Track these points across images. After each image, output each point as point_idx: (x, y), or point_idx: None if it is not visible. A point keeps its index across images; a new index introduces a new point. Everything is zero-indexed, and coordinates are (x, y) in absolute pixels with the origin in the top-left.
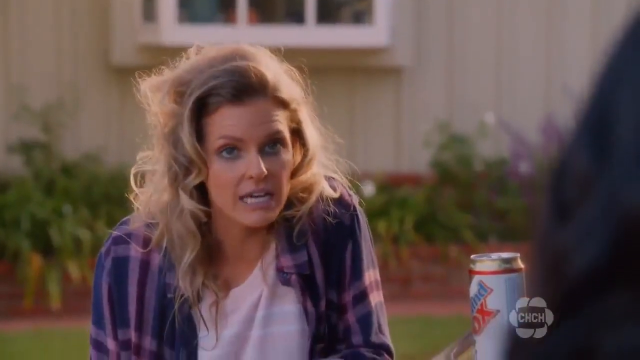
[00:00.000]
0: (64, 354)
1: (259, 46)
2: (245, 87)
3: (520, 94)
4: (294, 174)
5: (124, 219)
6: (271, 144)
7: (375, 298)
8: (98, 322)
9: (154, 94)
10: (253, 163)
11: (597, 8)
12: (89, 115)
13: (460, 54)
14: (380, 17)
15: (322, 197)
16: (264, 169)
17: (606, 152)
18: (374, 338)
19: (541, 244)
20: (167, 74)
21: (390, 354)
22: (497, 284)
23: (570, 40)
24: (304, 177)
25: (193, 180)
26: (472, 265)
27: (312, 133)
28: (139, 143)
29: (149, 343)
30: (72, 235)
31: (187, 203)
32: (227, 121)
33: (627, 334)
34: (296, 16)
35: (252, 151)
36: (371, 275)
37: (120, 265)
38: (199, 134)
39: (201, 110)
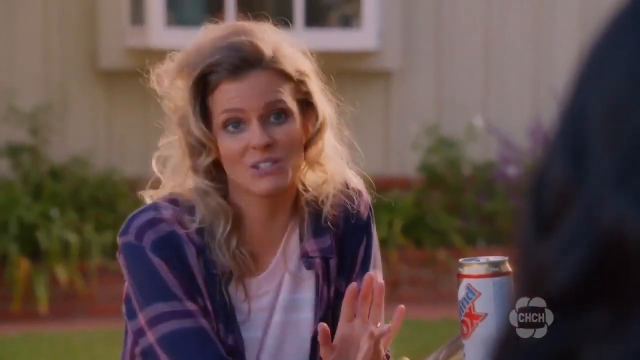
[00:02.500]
0: (51, 357)
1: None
2: (241, 61)
3: (509, 97)
4: (307, 144)
5: (142, 207)
6: (276, 114)
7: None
8: (163, 296)
9: (164, 80)
10: (255, 134)
11: (586, 12)
12: (77, 118)
13: (449, 58)
14: (368, 21)
15: (348, 187)
16: (266, 138)
17: (584, 167)
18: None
19: (523, 257)
20: (176, 57)
21: (387, 356)
22: (485, 287)
23: (559, 44)
24: (317, 147)
25: (204, 160)
26: (460, 269)
27: (322, 103)
28: (127, 147)
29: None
30: (60, 238)
31: (200, 182)
32: (227, 95)
33: (605, 351)
34: (284, 19)
35: (253, 121)
36: (378, 275)
37: (171, 241)
38: (205, 114)
39: (204, 89)
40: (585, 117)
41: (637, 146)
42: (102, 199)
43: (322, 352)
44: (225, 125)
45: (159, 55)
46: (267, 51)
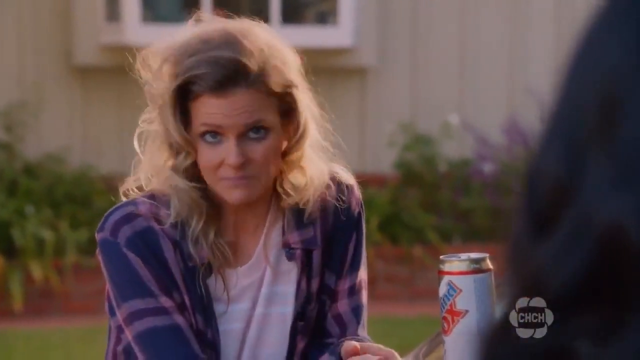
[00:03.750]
0: (26, 355)
1: (257, 23)
2: (225, 79)
3: (484, 95)
4: (287, 150)
5: (119, 203)
6: (255, 129)
7: (365, 296)
8: (139, 292)
9: (148, 67)
10: (230, 152)
11: (560, 10)
12: (51, 115)
13: (424, 55)
14: (344, 18)
15: (337, 182)
16: (240, 158)
17: (579, 166)
18: (363, 333)
19: (518, 258)
20: (163, 48)
21: None
22: (466, 284)
23: (533, 42)
24: (297, 153)
25: (183, 161)
26: (441, 266)
27: (306, 110)
28: (103, 144)
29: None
30: (35, 236)
31: (179, 182)
32: (207, 109)
33: (604, 351)
34: (261, 16)
35: (231, 139)
36: (363, 273)
37: (147, 236)
38: (187, 116)
39: (186, 94)
40: (580, 114)
41: (635, 144)
42: (77, 196)
43: None
44: (203, 135)
45: (135, 52)
46: (253, 67)
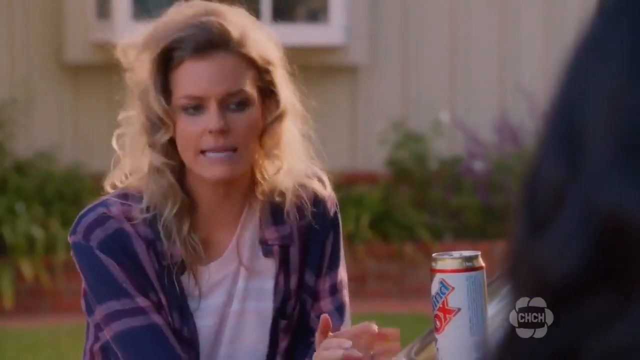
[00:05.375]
0: (17, 353)
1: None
2: (207, 40)
3: (475, 92)
4: (263, 132)
5: (91, 204)
6: (236, 101)
7: (346, 296)
8: (114, 294)
9: (130, 53)
10: (212, 118)
11: (551, 8)
12: (42, 113)
13: (415, 53)
14: (335, 16)
15: (313, 180)
16: (222, 124)
17: (578, 159)
18: None
19: (518, 257)
20: (144, 32)
21: None
22: (458, 282)
23: (524, 39)
24: (274, 136)
25: (162, 136)
26: (433, 264)
27: (285, 93)
28: (93, 141)
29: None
30: (26, 233)
31: (155, 159)
32: (189, 77)
33: (612, 335)
34: (252, 14)
35: (212, 106)
36: (343, 272)
37: (119, 238)
38: (166, 89)
39: (168, 64)
40: (577, 109)
41: (634, 129)
42: (68, 194)
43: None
44: (184, 108)
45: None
46: (235, 34)
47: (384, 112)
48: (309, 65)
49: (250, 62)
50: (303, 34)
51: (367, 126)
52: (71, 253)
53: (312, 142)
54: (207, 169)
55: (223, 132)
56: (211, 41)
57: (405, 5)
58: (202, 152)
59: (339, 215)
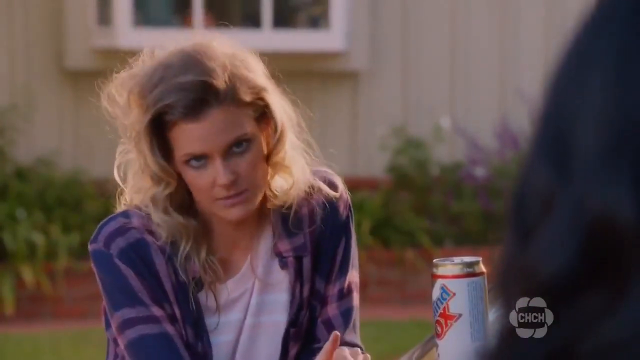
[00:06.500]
0: (17, 359)
1: (213, 36)
2: (195, 102)
3: (475, 98)
4: (269, 154)
5: (113, 214)
6: (237, 144)
7: (356, 298)
8: (130, 302)
9: (115, 102)
10: (219, 173)
11: (551, 12)
12: (42, 119)
13: (416, 59)
14: (336, 22)
15: (324, 184)
16: (230, 176)
17: (566, 163)
18: (352, 336)
19: (510, 263)
20: (126, 81)
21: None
22: (459, 287)
23: (525, 45)
24: (280, 154)
25: (163, 191)
26: (434, 269)
27: (280, 111)
28: (94, 148)
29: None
30: (26, 239)
31: (156, 216)
32: (186, 137)
33: (603, 332)
34: (252, 20)
35: (216, 160)
36: (354, 275)
37: (139, 248)
38: (167, 145)
39: (161, 125)
40: (565, 113)
41: (621, 132)
42: (68, 200)
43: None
44: (187, 162)
45: (126, 55)
46: (221, 85)
47: (384, 118)
48: (309, 71)
49: (243, 103)
50: (304, 40)
51: (367, 132)
52: (91, 262)
53: (313, 148)
54: (225, 212)
55: (233, 182)
56: (200, 100)
57: (406, 10)
58: (219, 199)
59: (352, 216)
